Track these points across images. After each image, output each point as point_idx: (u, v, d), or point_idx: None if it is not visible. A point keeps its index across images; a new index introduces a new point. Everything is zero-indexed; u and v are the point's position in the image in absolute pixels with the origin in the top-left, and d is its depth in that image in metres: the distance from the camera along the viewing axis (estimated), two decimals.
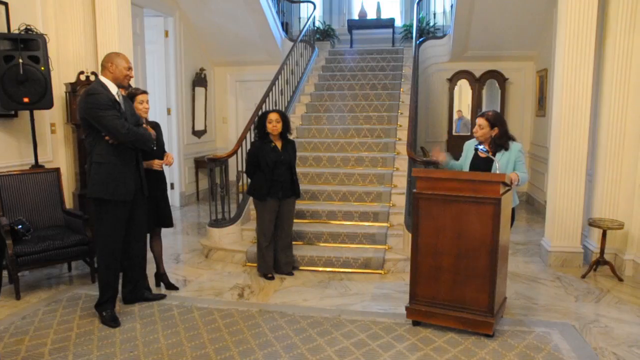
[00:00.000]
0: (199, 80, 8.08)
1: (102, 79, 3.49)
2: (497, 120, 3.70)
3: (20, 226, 4.10)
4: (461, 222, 3.26)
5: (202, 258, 5.17)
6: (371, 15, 9.78)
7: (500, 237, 3.18)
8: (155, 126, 4.03)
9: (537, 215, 6.91)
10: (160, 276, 4.30)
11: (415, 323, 3.49)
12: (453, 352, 3.12)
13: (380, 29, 9.32)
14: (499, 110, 7.49)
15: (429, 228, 3.36)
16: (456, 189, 3.28)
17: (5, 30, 4.44)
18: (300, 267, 4.75)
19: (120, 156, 3.47)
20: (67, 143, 5.21)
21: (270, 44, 8.07)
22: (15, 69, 4.26)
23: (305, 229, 5.11)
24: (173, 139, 7.43)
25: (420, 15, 8.77)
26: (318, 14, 9.56)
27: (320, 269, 4.73)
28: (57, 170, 4.71)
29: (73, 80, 4.92)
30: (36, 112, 4.63)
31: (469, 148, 3.89)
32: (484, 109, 7.40)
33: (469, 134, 7.66)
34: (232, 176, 5.45)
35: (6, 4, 4.46)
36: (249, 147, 4.79)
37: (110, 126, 3.34)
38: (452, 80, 8.18)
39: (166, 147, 4.27)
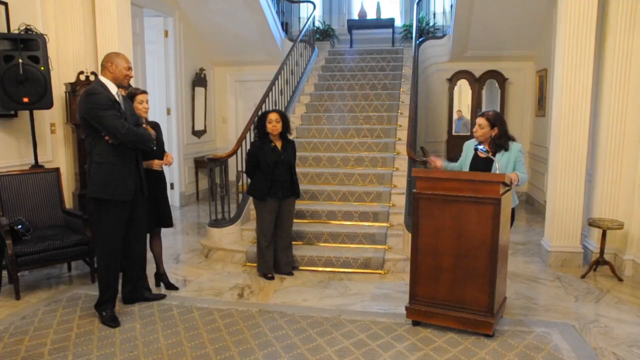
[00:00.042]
0: (199, 80, 8.08)
1: (102, 79, 3.49)
2: (497, 120, 3.70)
3: (20, 226, 4.10)
4: (461, 222, 3.26)
5: (202, 258, 5.17)
6: (371, 15, 9.78)
7: (500, 237, 3.18)
8: (155, 126, 4.03)
9: (536, 215, 6.91)
10: (160, 276, 4.30)
11: (415, 323, 3.50)
12: (453, 352, 3.12)
13: (380, 29, 9.31)
14: (498, 110, 7.49)
15: (428, 228, 3.36)
16: (456, 189, 3.28)
17: (5, 30, 4.43)
18: (300, 267, 4.75)
19: (120, 156, 3.47)
20: (66, 143, 5.21)
21: (270, 44, 8.07)
22: (15, 69, 4.25)
23: (305, 229, 5.11)
24: (173, 139, 7.43)
25: (420, 15, 8.77)
26: (318, 14, 9.56)
27: (320, 269, 4.73)
28: (57, 170, 4.71)
29: (73, 80, 4.92)
30: (36, 112, 4.63)
31: (468, 148, 3.89)
32: (483, 109, 7.40)
33: (468, 134, 7.66)
34: (232, 176, 5.45)
35: (6, 4, 4.46)
36: (248, 147, 4.79)
37: (110, 126, 3.34)
38: (452, 80, 8.18)
39: (166, 147, 4.27)
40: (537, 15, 6.70)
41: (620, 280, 4.40)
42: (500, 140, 3.67)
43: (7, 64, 4.24)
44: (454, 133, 8.26)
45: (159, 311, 3.78)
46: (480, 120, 3.70)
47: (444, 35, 8.28)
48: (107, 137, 3.40)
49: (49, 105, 4.52)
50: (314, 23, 8.83)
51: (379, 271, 4.64)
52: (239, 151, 5.32)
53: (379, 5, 9.77)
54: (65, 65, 5.06)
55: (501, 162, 3.60)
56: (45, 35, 4.51)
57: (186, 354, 3.11)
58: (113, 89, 3.47)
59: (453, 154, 7.80)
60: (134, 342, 3.27)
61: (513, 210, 3.70)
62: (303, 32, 7.84)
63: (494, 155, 3.64)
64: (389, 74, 7.63)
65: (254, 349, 3.18)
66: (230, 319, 3.64)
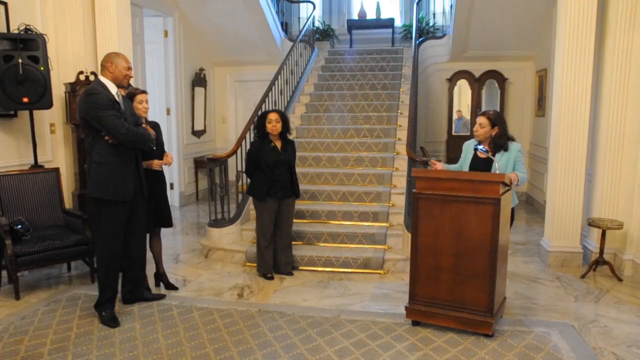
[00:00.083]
0: (199, 80, 8.08)
1: (102, 78, 3.49)
2: (498, 119, 3.70)
3: (19, 226, 4.10)
4: (461, 222, 3.26)
5: (202, 258, 5.17)
6: (371, 15, 9.78)
7: (499, 237, 3.18)
8: (155, 126, 4.03)
9: (536, 215, 6.91)
10: (160, 276, 4.30)
11: (415, 323, 3.50)
12: (453, 352, 3.12)
13: (379, 29, 9.31)
14: (498, 110, 7.49)
15: (428, 228, 3.36)
16: (456, 189, 3.28)
17: (5, 30, 4.43)
18: (300, 267, 4.75)
19: (119, 156, 3.47)
20: (66, 143, 5.20)
21: (270, 44, 8.07)
22: (14, 69, 4.25)
23: (304, 229, 5.11)
24: (172, 139, 7.42)
25: (420, 15, 8.77)
26: (318, 14, 9.56)
27: (320, 269, 4.73)
28: (57, 170, 4.71)
29: (72, 80, 4.92)
30: (35, 112, 4.63)
31: (468, 148, 3.89)
32: (483, 109, 7.40)
33: (468, 133, 7.67)
34: (232, 176, 5.45)
35: (5, 4, 4.46)
36: (248, 147, 4.79)
37: (110, 126, 3.34)
38: (452, 80, 8.18)
39: (166, 147, 4.27)
40: (537, 15, 6.70)
41: (620, 280, 4.40)
42: (500, 140, 3.67)
43: (7, 64, 4.23)
44: (453, 133, 8.26)
45: (158, 311, 3.77)
46: (481, 119, 3.70)
47: (443, 35, 8.28)
48: (107, 137, 3.40)
49: (48, 105, 4.52)
50: (313, 23, 8.83)
51: (379, 271, 4.64)
52: (238, 151, 5.32)
53: (379, 5, 9.77)
54: (65, 65, 5.06)
55: (501, 162, 3.60)
56: (45, 35, 4.51)
57: (186, 354, 3.11)
58: (113, 89, 3.47)
59: (453, 154, 7.81)
60: (134, 342, 3.27)
61: (513, 210, 3.70)
62: (303, 32, 7.84)
63: (493, 155, 3.64)
64: (389, 74, 7.63)
65: (253, 349, 3.18)
66: (229, 319, 3.64)
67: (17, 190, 4.39)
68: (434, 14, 9.20)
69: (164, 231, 4.35)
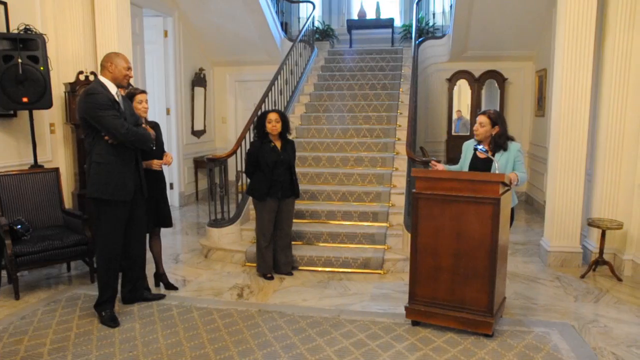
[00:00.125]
0: (198, 80, 8.08)
1: (102, 78, 3.49)
2: (499, 119, 3.71)
3: (19, 226, 4.10)
4: (460, 222, 3.26)
5: (202, 258, 5.16)
6: (370, 15, 9.78)
7: (499, 237, 3.18)
8: (155, 126, 4.03)
9: (536, 215, 6.91)
10: (160, 276, 4.30)
11: (415, 323, 3.50)
12: (452, 352, 3.12)
13: (379, 29, 9.31)
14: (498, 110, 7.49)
15: (428, 228, 3.36)
16: (455, 189, 3.28)
17: (5, 30, 4.43)
18: (300, 267, 4.75)
19: (119, 156, 3.47)
20: (66, 143, 5.20)
21: (270, 44, 8.07)
22: (14, 69, 4.25)
23: (304, 229, 5.11)
24: (172, 139, 7.42)
25: (420, 15, 8.77)
26: (317, 14, 9.56)
27: (320, 269, 4.73)
28: (57, 170, 4.71)
29: (72, 80, 4.92)
30: (35, 112, 4.63)
31: (467, 148, 3.88)
32: (483, 109, 7.40)
33: (468, 133, 7.67)
34: (232, 176, 5.45)
35: (5, 4, 4.46)
36: (248, 147, 4.79)
37: (110, 126, 3.34)
38: (452, 80, 8.18)
39: (165, 147, 4.28)
40: (537, 15, 6.70)
41: (620, 280, 4.40)
42: (500, 140, 3.67)
43: (7, 63, 4.23)
44: (453, 133, 8.26)
45: (158, 311, 3.77)
46: (482, 119, 3.70)
47: (443, 35, 8.28)
48: (106, 137, 3.40)
49: (48, 105, 4.52)
50: (313, 23, 8.83)
51: (379, 271, 4.64)
52: (238, 151, 5.32)
53: (379, 5, 9.77)
54: (64, 65, 5.05)
55: (500, 162, 3.60)
56: (45, 35, 4.51)
57: (185, 354, 3.11)
58: (112, 88, 3.47)
59: (453, 154, 7.81)
60: (134, 342, 3.27)
61: (512, 210, 3.70)
62: (302, 32, 7.84)
63: (493, 155, 3.64)
64: (389, 74, 7.62)
65: (253, 349, 3.18)
66: (229, 319, 3.64)
67: (16, 190, 4.39)
68: (433, 14, 9.20)
69: (163, 231, 4.35)
